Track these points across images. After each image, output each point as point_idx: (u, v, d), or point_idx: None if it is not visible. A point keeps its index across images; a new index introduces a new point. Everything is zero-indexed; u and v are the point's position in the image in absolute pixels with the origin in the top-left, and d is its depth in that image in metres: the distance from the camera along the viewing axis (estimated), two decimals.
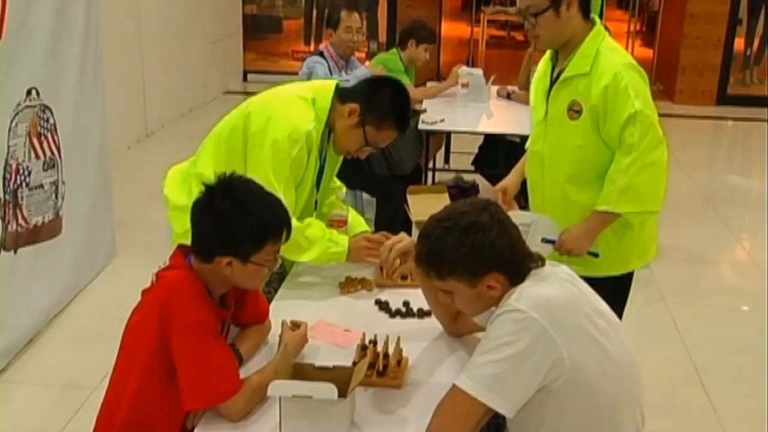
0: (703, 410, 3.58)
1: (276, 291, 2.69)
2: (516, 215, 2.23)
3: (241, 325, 2.28)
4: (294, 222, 2.61)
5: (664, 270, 4.80)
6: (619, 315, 2.64)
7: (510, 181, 3.02)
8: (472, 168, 5.59)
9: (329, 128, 2.73)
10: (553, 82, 2.75)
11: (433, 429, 1.85)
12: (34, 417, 3.40)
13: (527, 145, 2.98)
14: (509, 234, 1.94)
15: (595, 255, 2.73)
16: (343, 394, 1.86)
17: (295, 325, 2.25)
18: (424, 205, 3.19)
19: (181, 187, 2.77)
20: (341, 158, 2.90)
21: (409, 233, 3.25)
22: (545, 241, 2.71)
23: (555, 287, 1.92)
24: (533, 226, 2.70)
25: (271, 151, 2.56)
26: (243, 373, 2.06)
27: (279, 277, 2.94)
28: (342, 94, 2.72)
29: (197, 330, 1.95)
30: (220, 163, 2.64)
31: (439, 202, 2.90)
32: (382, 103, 2.68)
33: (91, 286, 4.53)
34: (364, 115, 2.68)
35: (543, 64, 2.89)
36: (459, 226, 1.92)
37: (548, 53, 2.85)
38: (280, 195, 2.53)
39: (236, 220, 2.01)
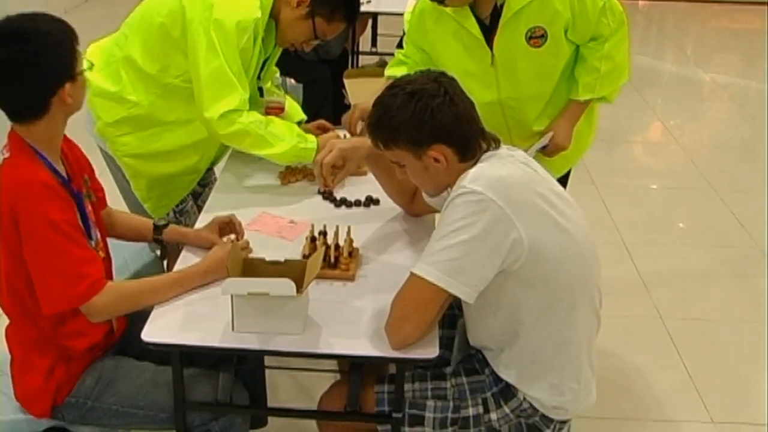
0: (637, 289, 3.66)
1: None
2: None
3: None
4: (256, 115, 2.44)
5: (590, 151, 4.79)
6: None
7: None
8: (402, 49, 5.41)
9: (273, 18, 2.51)
10: (492, 25, 2.50)
11: (395, 320, 1.78)
12: None
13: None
14: (457, 107, 1.85)
15: None
16: (298, 289, 1.75)
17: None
18: (362, 89, 3.06)
19: (105, 70, 2.51)
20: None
21: (336, 120, 3.09)
22: (538, 151, 2.60)
23: (510, 168, 1.85)
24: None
25: (219, 42, 2.33)
26: None
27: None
28: None
29: (45, 232, 1.79)
30: (154, 52, 2.43)
31: (377, 85, 2.74)
32: None
33: None
34: (314, 7, 2.46)
35: (432, 22, 2.56)
36: (405, 91, 1.86)
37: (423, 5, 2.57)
38: (238, 86, 2.36)
39: (47, 54, 1.79)
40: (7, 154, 1.87)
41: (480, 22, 2.49)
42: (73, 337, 1.93)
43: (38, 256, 1.80)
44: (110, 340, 2.02)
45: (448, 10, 2.49)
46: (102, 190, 2.14)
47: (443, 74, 1.91)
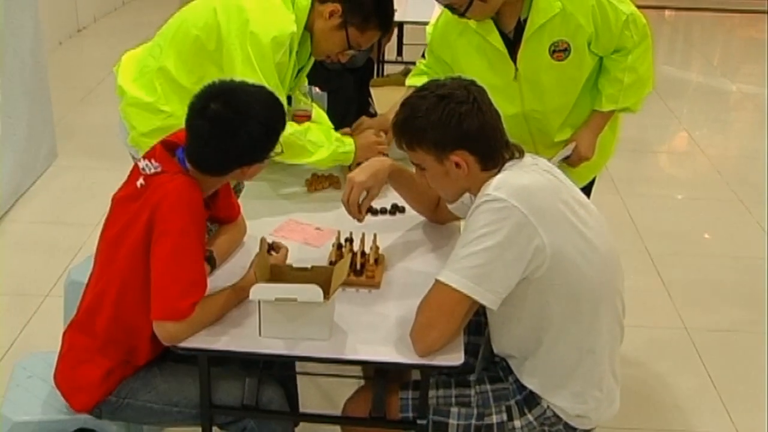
0: (662, 300, 3.65)
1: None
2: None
3: (214, 219, 2.17)
4: (294, 126, 2.47)
5: (616, 161, 4.78)
6: None
7: None
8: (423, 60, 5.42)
9: (308, 30, 2.52)
10: (515, 39, 2.51)
11: (420, 326, 1.80)
12: None
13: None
14: (485, 115, 1.88)
15: None
16: (324, 295, 1.77)
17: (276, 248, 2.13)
18: (389, 98, 3.08)
19: (139, 80, 2.54)
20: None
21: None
22: (561, 161, 2.62)
23: (534, 176, 1.87)
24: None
25: (256, 57, 2.35)
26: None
27: None
28: None
29: (178, 238, 1.82)
30: (189, 64, 2.45)
31: (404, 94, 2.78)
32: (365, 1, 2.47)
33: (33, 189, 4.34)
34: (347, 17, 2.47)
35: (456, 35, 2.58)
36: (434, 94, 1.88)
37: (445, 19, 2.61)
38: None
39: (254, 135, 1.89)
40: (158, 168, 1.91)
41: (504, 36, 2.51)
42: (146, 354, 1.98)
43: (163, 257, 1.82)
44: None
45: (471, 23, 2.51)
46: (231, 209, 2.19)
47: (473, 83, 1.93)
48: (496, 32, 2.51)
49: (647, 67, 2.59)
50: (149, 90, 2.49)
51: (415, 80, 2.71)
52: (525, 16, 2.46)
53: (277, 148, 1.98)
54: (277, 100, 1.99)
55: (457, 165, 1.88)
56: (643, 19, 2.53)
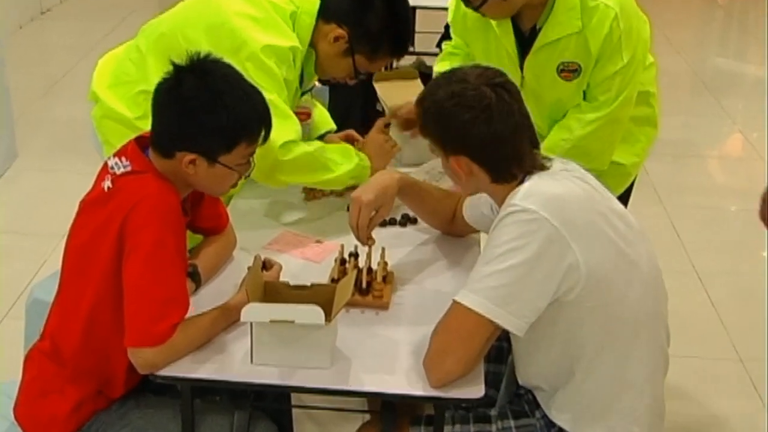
0: (712, 326, 3.67)
1: None
2: None
3: (197, 230, 2.19)
4: (314, 143, 2.49)
5: (658, 166, 4.81)
6: None
7: None
8: (438, 50, 5.43)
9: (312, 47, 2.53)
10: (526, 44, 2.59)
11: (435, 353, 1.82)
12: None
13: None
14: (493, 127, 1.87)
15: None
16: (326, 316, 1.80)
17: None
18: (397, 93, 3.11)
19: (117, 88, 2.49)
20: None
21: (366, 128, 3.18)
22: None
23: (566, 184, 1.88)
24: None
25: (266, 78, 2.33)
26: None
27: None
28: (326, 11, 2.49)
29: (153, 251, 1.84)
30: None
31: (412, 88, 2.83)
32: (375, 28, 2.48)
33: None
34: (353, 43, 2.49)
35: (472, 21, 2.65)
36: (449, 86, 1.92)
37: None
38: (292, 115, 2.41)
39: (207, 110, 1.90)
40: (128, 167, 1.93)
41: (521, 35, 2.59)
42: (121, 384, 1.99)
43: (137, 274, 1.83)
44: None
45: (491, 21, 2.59)
46: (218, 218, 2.21)
47: (500, 84, 1.92)
48: (512, 35, 2.59)
49: (603, 137, 2.62)
50: (130, 103, 2.45)
51: (442, 65, 2.79)
52: (540, 25, 2.54)
53: (250, 162, 2.00)
54: (264, 106, 2.00)
55: (458, 168, 1.92)
56: (634, 87, 2.59)
